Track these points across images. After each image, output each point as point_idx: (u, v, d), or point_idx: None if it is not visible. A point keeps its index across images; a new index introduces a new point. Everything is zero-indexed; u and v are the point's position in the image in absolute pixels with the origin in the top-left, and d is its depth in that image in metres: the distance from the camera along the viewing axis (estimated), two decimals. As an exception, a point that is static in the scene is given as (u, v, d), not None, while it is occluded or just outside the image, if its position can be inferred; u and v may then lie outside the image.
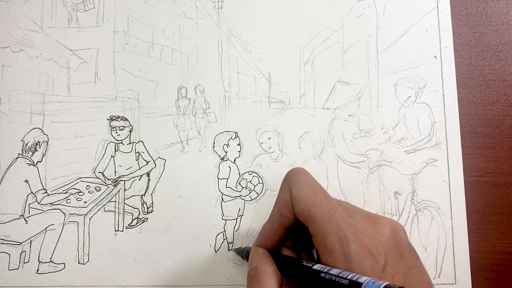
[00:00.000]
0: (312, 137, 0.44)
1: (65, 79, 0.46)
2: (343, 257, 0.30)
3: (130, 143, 0.45)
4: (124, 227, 0.43)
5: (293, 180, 0.34)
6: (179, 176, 0.44)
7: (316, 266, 0.30)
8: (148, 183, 0.44)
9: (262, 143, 0.44)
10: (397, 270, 0.30)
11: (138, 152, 0.45)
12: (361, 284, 0.26)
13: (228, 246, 0.42)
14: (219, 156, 0.44)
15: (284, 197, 0.34)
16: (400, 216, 0.43)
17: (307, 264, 0.31)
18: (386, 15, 0.46)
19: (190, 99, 0.45)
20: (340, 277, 0.28)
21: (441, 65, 0.45)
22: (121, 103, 0.45)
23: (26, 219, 0.43)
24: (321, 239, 0.31)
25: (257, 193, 0.44)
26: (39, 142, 0.44)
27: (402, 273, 0.30)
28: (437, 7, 0.46)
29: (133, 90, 0.45)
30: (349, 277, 0.27)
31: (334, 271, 0.29)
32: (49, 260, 0.42)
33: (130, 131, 0.45)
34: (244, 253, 0.40)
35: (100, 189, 0.44)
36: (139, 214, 0.43)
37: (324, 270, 0.29)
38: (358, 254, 0.29)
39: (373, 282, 0.25)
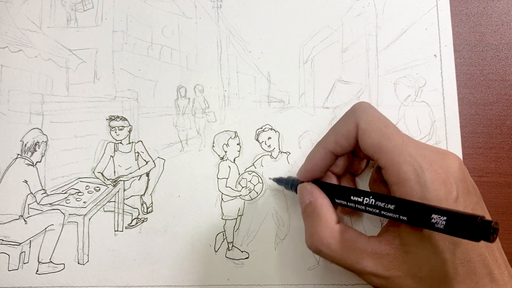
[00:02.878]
0: (312, 136, 0.44)
1: (64, 79, 0.46)
2: (419, 186, 0.30)
3: (129, 143, 0.45)
4: (124, 227, 0.43)
5: (362, 113, 0.34)
6: (179, 176, 0.44)
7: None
8: (147, 183, 0.44)
9: (262, 142, 0.44)
10: (467, 203, 0.30)
11: (138, 152, 0.44)
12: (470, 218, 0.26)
13: (228, 246, 0.42)
14: (219, 155, 0.44)
15: (347, 128, 0.34)
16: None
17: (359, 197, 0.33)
18: (385, 13, 0.46)
19: (189, 98, 0.45)
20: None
21: (441, 63, 0.45)
22: (120, 103, 0.45)
23: (25, 219, 0.43)
24: (394, 169, 0.31)
25: (257, 192, 0.43)
26: (38, 142, 0.44)
27: (470, 207, 0.30)
28: (437, 5, 0.46)
29: (132, 90, 0.45)
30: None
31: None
32: (49, 261, 0.42)
33: (130, 131, 0.45)
34: (287, 184, 0.40)
35: (99, 189, 0.44)
36: (139, 214, 0.43)
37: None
38: (433, 183, 0.30)
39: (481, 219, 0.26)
